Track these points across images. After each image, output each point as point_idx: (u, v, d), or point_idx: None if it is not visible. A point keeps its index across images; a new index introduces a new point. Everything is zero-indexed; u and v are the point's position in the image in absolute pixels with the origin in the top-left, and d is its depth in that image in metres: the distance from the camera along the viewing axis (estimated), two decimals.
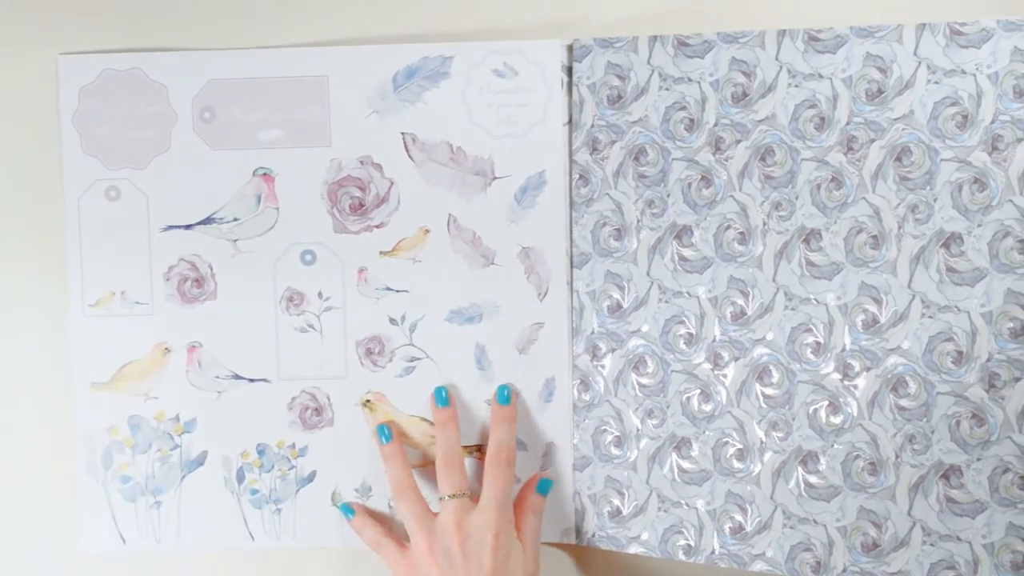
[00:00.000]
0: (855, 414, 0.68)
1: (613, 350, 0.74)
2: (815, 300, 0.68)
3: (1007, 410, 0.65)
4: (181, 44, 0.76)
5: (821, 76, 0.68)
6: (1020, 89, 0.65)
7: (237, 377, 0.77)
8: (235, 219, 0.77)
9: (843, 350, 0.68)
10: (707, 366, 0.72)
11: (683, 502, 0.72)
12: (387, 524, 0.77)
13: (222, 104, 0.76)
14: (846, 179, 0.68)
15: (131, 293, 0.77)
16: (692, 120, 0.71)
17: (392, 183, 0.76)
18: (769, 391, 0.70)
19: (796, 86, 0.68)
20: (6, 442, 0.78)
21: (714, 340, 0.71)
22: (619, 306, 0.73)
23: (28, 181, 0.77)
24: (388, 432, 0.75)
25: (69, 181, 0.77)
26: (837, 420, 0.68)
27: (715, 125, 0.71)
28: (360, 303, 0.77)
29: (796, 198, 0.69)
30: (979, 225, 0.65)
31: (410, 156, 0.76)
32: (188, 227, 0.77)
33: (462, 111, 0.76)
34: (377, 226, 0.77)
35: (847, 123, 0.67)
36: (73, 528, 0.78)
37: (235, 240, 0.77)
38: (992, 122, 0.65)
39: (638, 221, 0.73)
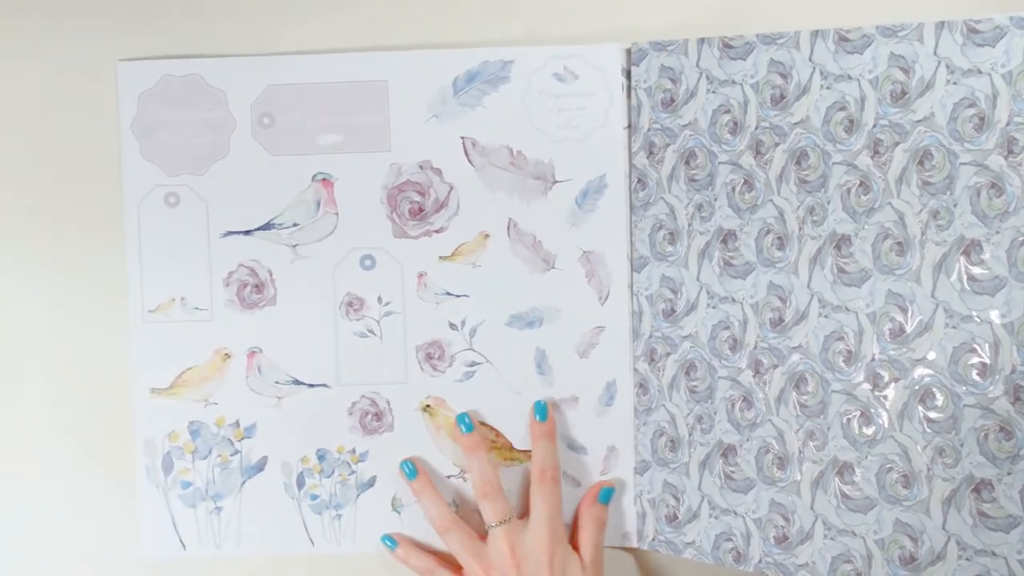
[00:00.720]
0: (886, 425, 0.67)
1: (668, 354, 0.74)
2: (847, 308, 0.68)
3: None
4: (239, 50, 0.77)
5: (850, 77, 0.67)
6: None
7: (297, 382, 0.78)
8: (294, 224, 0.77)
9: (872, 360, 0.67)
10: (749, 373, 0.71)
11: (732, 509, 0.71)
12: (429, 550, 0.78)
13: (281, 109, 0.77)
14: (873, 183, 0.67)
15: (191, 299, 0.77)
16: (736, 123, 0.71)
17: (452, 188, 0.77)
18: (805, 399, 0.70)
19: (828, 87, 0.68)
20: (67, 448, 0.78)
21: (755, 347, 0.71)
22: (672, 310, 0.73)
23: (88, 187, 0.77)
24: (470, 422, 0.75)
25: (129, 187, 0.77)
26: (869, 431, 0.67)
27: (756, 128, 0.70)
28: (420, 308, 0.77)
29: (828, 203, 0.68)
30: (997, 232, 0.64)
31: (470, 160, 0.76)
32: (247, 233, 0.77)
33: (522, 115, 0.76)
34: (437, 231, 0.77)
35: (874, 125, 0.67)
36: (133, 534, 0.79)
37: (294, 245, 0.77)
38: (1007, 124, 0.63)
39: (689, 225, 0.73)
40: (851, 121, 0.67)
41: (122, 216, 0.77)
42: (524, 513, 0.76)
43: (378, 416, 0.77)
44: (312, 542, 0.78)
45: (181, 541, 0.78)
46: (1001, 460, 0.64)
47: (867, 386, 0.67)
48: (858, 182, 0.67)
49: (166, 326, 0.77)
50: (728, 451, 0.72)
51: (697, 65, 0.72)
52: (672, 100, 0.73)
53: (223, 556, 0.78)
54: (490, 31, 0.76)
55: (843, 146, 0.67)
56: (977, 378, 0.64)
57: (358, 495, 0.78)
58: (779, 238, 0.70)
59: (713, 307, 0.72)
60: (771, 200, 0.70)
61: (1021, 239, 0.63)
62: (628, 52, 0.75)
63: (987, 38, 0.63)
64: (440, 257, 0.77)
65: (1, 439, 0.79)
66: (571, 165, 0.76)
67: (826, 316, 0.69)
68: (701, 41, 0.72)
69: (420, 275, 0.77)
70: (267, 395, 0.78)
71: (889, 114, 0.66)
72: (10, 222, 0.78)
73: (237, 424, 0.78)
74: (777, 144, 0.69)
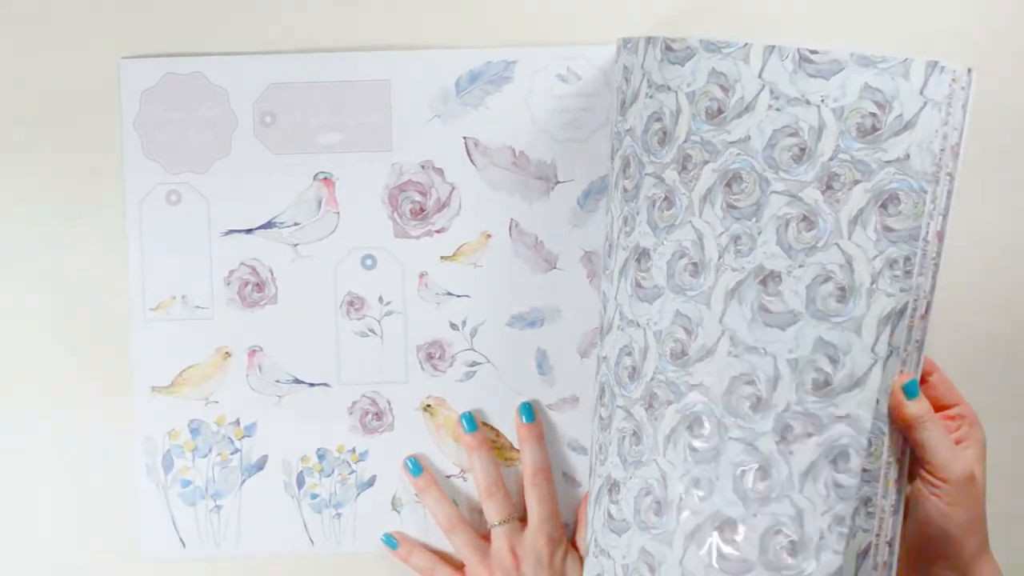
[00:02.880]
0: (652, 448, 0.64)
1: (598, 373, 0.73)
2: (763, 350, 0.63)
3: (792, 466, 0.61)
4: (242, 48, 0.77)
5: (808, 102, 0.61)
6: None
7: (297, 381, 0.78)
8: (295, 223, 0.77)
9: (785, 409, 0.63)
10: (641, 406, 0.66)
11: (607, 551, 0.68)
12: (430, 549, 0.79)
13: (283, 108, 0.77)
14: (819, 219, 0.61)
15: (192, 297, 0.78)
16: (666, 132, 0.65)
17: (453, 188, 0.77)
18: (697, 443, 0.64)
19: (778, 109, 0.61)
20: (67, 446, 0.79)
21: (652, 379, 0.66)
22: (601, 328, 0.71)
23: (89, 185, 0.78)
24: (473, 421, 0.76)
25: (130, 185, 0.78)
26: (638, 450, 0.65)
27: (685, 140, 0.64)
28: (421, 308, 0.78)
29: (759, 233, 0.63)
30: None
31: (472, 161, 0.77)
32: (248, 231, 0.78)
33: (525, 116, 0.77)
34: (438, 231, 0.77)
35: (831, 158, 0.61)
36: (133, 532, 0.79)
37: (295, 244, 0.78)
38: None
39: (616, 239, 0.69)
40: (801, 149, 0.61)
41: (123, 214, 0.78)
42: (526, 514, 0.77)
43: (378, 416, 0.78)
44: (312, 541, 0.79)
45: (181, 540, 0.79)
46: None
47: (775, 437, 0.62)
48: (801, 215, 0.61)
49: (167, 324, 0.78)
50: (613, 488, 0.67)
51: (642, 66, 0.67)
52: (623, 103, 0.69)
53: (223, 555, 0.79)
54: (493, 31, 0.77)
55: (788, 175, 0.61)
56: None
57: (358, 494, 0.79)
58: (694, 264, 0.64)
59: (621, 329, 0.68)
60: (690, 221, 0.64)
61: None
62: None
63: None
64: (441, 257, 0.77)
65: (1, 438, 0.79)
66: (573, 165, 0.77)
67: (736, 356, 0.63)
68: (648, 40, 0.66)
69: (421, 275, 0.77)
70: (267, 394, 0.78)
71: (852, 148, 0.60)
72: (11, 220, 0.78)
73: (237, 423, 0.78)
74: (707, 162, 0.63)
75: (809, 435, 0.61)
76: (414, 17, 0.76)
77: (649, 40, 0.65)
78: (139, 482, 0.78)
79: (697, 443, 0.63)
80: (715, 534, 0.62)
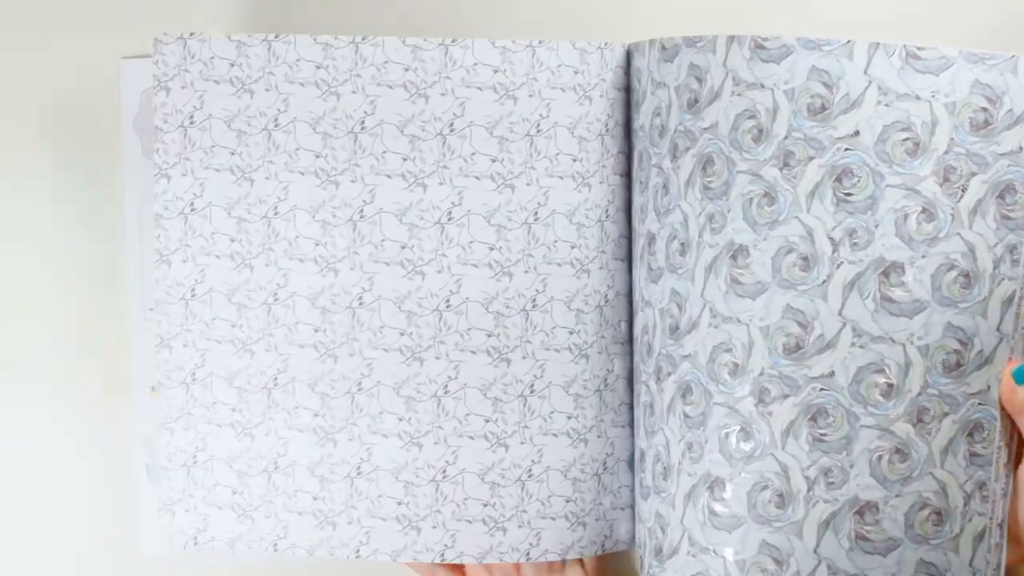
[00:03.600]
0: (767, 441, 0.66)
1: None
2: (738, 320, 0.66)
3: (931, 445, 0.65)
4: None
5: (763, 86, 0.65)
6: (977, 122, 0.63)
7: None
8: None
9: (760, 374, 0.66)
10: (653, 379, 0.70)
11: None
12: None
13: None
14: (938, 211, 0.65)
15: None
16: (663, 126, 0.69)
17: None
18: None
19: (739, 95, 0.66)
20: (67, 446, 0.79)
21: (658, 354, 0.70)
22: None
23: (89, 185, 0.78)
24: None
25: (130, 185, 0.78)
26: (748, 447, 0.66)
27: (674, 132, 0.68)
28: None
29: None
30: (923, 256, 0.64)
31: None
32: None
33: None
34: None
35: (785, 137, 0.65)
36: (133, 532, 0.79)
37: None
38: (945, 152, 0.63)
39: (636, 229, 0.74)
40: (760, 131, 0.65)
41: (123, 214, 0.78)
42: None
43: None
44: None
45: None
46: (892, 482, 0.65)
47: (751, 400, 0.66)
48: (762, 192, 0.65)
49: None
50: (716, 484, 0.69)
51: (647, 67, 0.71)
52: (636, 102, 0.72)
53: (224, 555, 0.79)
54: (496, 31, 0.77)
55: (749, 155, 0.65)
56: (880, 398, 0.65)
57: None
58: (682, 244, 0.68)
59: (714, 327, 0.69)
60: (679, 205, 0.68)
61: (947, 266, 0.64)
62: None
63: (930, 66, 0.63)
64: None
65: (1, 438, 0.79)
66: None
67: (715, 327, 0.67)
68: (651, 43, 0.71)
69: None
70: None
71: (965, 142, 0.64)
72: (11, 219, 0.78)
73: None
74: (688, 149, 0.67)
75: (945, 414, 0.65)
76: (411, 15, 0.76)
77: (733, 38, 0.67)
78: (139, 482, 0.78)
79: (823, 433, 0.66)
80: (851, 518, 0.65)
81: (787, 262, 0.65)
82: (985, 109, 0.63)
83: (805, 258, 0.65)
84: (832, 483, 0.65)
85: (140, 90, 0.78)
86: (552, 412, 0.72)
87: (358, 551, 0.72)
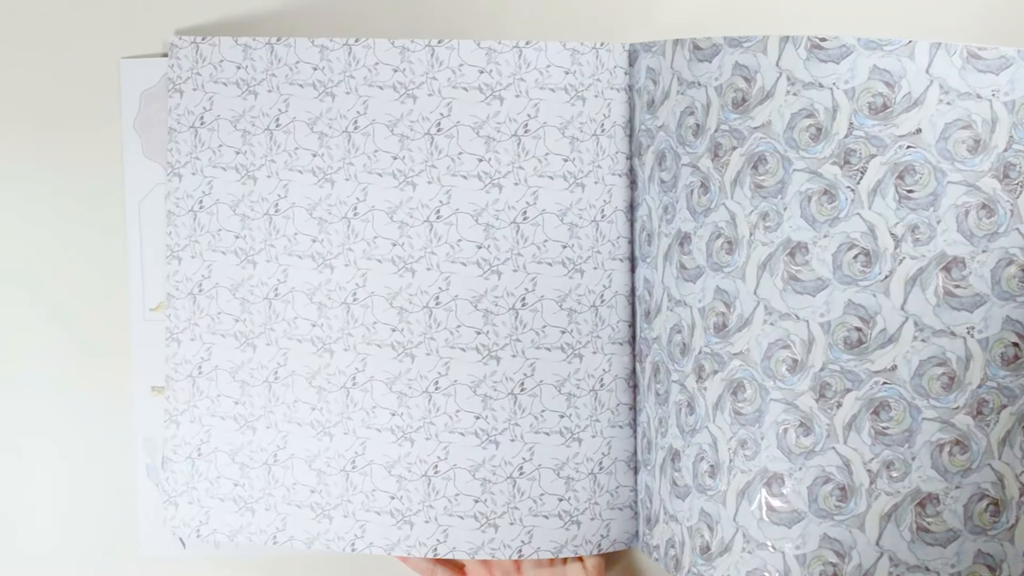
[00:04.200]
0: (826, 436, 0.69)
1: (647, 356, 0.76)
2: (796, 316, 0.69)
3: (990, 437, 0.67)
4: None
5: (822, 86, 0.68)
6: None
7: None
8: None
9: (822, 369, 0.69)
10: (693, 378, 0.72)
11: (675, 516, 0.74)
12: None
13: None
14: (998, 207, 0.68)
15: None
16: (698, 125, 0.72)
17: None
18: (742, 407, 0.71)
19: (795, 94, 0.68)
20: (67, 446, 0.81)
21: (699, 352, 0.72)
22: (647, 312, 0.76)
23: (89, 185, 0.79)
24: None
25: (130, 185, 0.79)
26: (808, 442, 0.69)
27: (716, 131, 0.71)
28: None
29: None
30: (984, 251, 0.67)
31: None
32: None
33: None
34: None
35: (846, 136, 0.68)
36: (133, 532, 0.80)
37: None
38: (1005, 150, 0.66)
39: (658, 227, 0.75)
40: (819, 130, 0.68)
41: (123, 214, 0.79)
42: None
43: None
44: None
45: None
46: (952, 474, 0.67)
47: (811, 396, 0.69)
48: (822, 190, 0.68)
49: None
50: (775, 479, 0.71)
51: (671, 66, 0.73)
52: (652, 101, 0.75)
53: (223, 555, 0.80)
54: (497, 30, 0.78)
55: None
56: (941, 391, 0.67)
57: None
58: (729, 242, 0.71)
59: (670, 310, 0.73)
60: (724, 204, 0.71)
61: (1006, 261, 0.67)
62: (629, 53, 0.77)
63: (990, 65, 0.66)
64: None
65: (1, 438, 0.80)
66: None
67: (771, 324, 0.70)
68: (676, 43, 0.73)
69: None
70: None
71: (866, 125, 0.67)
72: (11, 220, 0.79)
73: None
74: (735, 148, 0.70)
75: (1003, 406, 0.68)
76: (410, 15, 0.77)
77: (788, 39, 0.69)
78: (139, 482, 0.79)
79: (885, 426, 0.68)
80: (913, 510, 0.68)
81: (848, 258, 0.68)
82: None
83: (867, 253, 0.68)
84: (894, 476, 0.68)
85: (140, 90, 0.79)
86: (544, 410, 0.74)
87: (353, 544, 0.74)
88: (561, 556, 0.76)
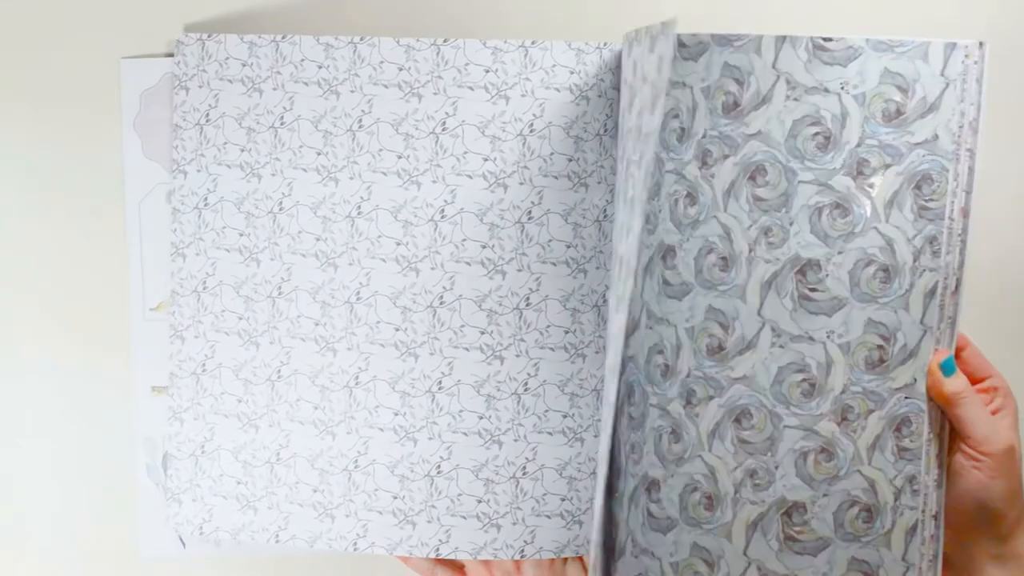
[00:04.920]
0: (694, 442, 0.68)
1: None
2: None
3: (858, 444, 0.67)
4: None
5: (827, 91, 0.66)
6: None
7: None
8: None
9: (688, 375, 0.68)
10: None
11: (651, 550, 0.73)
12: None
13: None
14: (853, 205, 0.66)
15: None
16: (683, 129, 0.68)
17: None
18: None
19: (796, 99, 0.66)
20: (67, 445, 0.81)
21: (688, 375, 0.70)
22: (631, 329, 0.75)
23: (90, 185, 0.80)
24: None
25: (130, 185, 0.80)
26: (678, 449, 0.68)
27: (703, 136, 0.67)
28: None
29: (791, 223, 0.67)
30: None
31: None
32: None
33: None
34: None
35: (858, 144, 0.66)
36: (133, 532, 0.81)
37: None
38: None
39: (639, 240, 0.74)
40: (826, 138, 0.66)
41: (124, 214, 0.80)
42: None
43: None
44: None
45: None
46: (819, 482, 0.67)
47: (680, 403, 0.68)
48: (835, 203, 0.66)
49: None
50: (652, 486, 0.71)
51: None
52: (630, 102, 0.74)
53: (223, 555, 0.80)
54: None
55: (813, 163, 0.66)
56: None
57: None
58: (723, 258, 0.68)
59: (650, 328, 0.71)
60: (716, 216, 0.68)
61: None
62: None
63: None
64: None
65: (1, 437, 0.80)
66: None
67: (782, 347, 0.68)
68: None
69: None
70: None
71: (878, 133, 0.65)
72: (11, 220, 0.80)
73: None
74: (727, 156, 0.67)
75: (871, 411, 0.66)
76: (408, 14, 0.78)
77: (785, 38, 0.66)
78: (139, 482, 0.80)
79: (746, 434, 0.67)
80: (779, 519, 0.67)
81: (708, 262, 0.67)
82: (896, 100, 0.64)
83: (724, 258, 0.67)
84: (758, 484, 0.68)
85: (140, 90, 0.79)
86: (547, 410, 0.74)
87: (355, 544, 0.74)
88: (563, 556, 0.77)
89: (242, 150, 0.77)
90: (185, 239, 0.78)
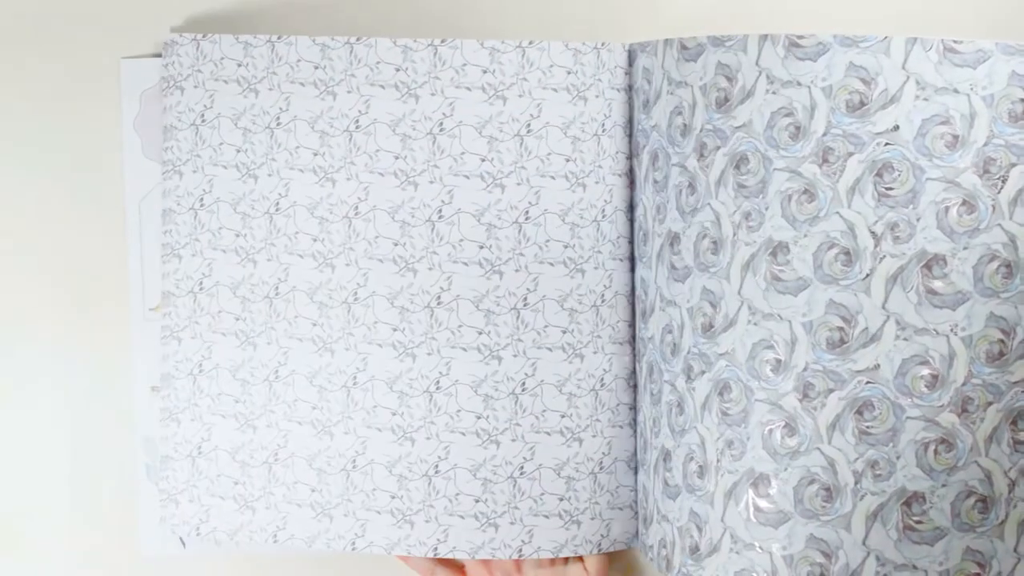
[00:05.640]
0: (811, 436, 0.69)
1: (643, 356, 0.77)
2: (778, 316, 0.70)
3: (976, 434, 0.68)
4: None
5: (800, 84, 0.69)
6: (1015, 113, 0.67)
7: None
8: None
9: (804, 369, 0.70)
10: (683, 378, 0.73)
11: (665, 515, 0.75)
12: None
13: None
14: (979, 202, 0.68)
15: None
16: (686, 125, 0.72)
17: None
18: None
19: (773, 92, 0.69)
20: (67, 445, 0.82)
21: (688, 352, 0.73)
22: (644, 312, 0.77)
23: (89, 185, 0.80)
24: None
25: (130, 185, 0.80)
26: (793, 442, 0.69)
27: (700, 131, 0.71)
28: None
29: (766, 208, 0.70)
30: (965, 248, 0.67)
31: None
32: None
33: None
34: None
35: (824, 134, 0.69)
36: (133, 532, 0.81)
37: None
38: (985, 144, 0.67)
39: (652, 227, 0.76)
40: (797, 128, 0.69)
41: (124, 214, 0.80)
42: None
43: None
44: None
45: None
46: (938, 472, 0.68)
47: (796, 396, 0.70)
48: (802, 189, 0.69)
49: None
50: (666, 457, 0.74)
51: (662, 66, 0.74)
52: (647, 101, 0.76)
53: (223, 555, 0.81)
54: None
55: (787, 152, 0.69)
56: (925, 390, 0.68)
57: None
58: (714, 242, 0.71)
59: (662, 310, 0.74)
60: (709, 204, 0.71)
61: (988, 257, 0.67)
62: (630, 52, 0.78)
63: (967, 59, 0.67)
64: None
65: (1, 437, 0.81)
66: None
67: (755, 324, 0.70)
68: (666, 43, 0.74)
69: None
70: None
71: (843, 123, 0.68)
72: (11, 219, 0.80)
73: None
74: (718, 147, 0.71)
75: (989, 403, 0.68)
76: (411, 15, 0.78)
77: (766, 37, 0.69)
78: (139, 482, 0.80)
79: (868, 426, 0.69)
80: (899, 509, 0.69)
81: (829, 257, 0.69)
82: (860, 91, 0.68)
83: (847, 253, 0.69)
84: (879, 475, 0.69)
85: (140, 90, 0.80)
86: (544, 410, 0.75)
87: (354, 543, 0.75)
88: (561, 555, 0.77)
89: (238, 151, 0.77)
90: (181, 240, 0.78)
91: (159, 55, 0.81)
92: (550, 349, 0.76)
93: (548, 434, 0.76)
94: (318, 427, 0.77)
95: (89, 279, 0.82)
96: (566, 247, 0.76)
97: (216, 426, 0.78)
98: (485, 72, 0.76)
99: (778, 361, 0.70)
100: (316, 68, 0.76)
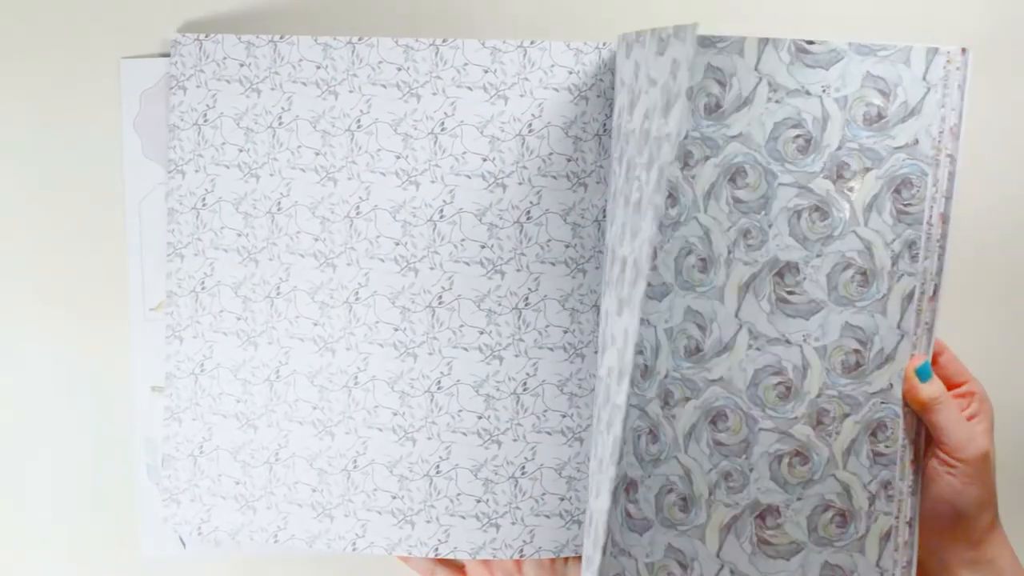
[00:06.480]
0: (670, 443, 0.69)
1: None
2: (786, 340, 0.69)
3: (833, 448, 0.67)
4: None
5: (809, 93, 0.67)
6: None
7: None
8: None
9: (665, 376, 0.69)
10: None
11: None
12: None
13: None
14: (832, 208, 0.67)
15: None
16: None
17: None
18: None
19: (777, 101, 0.66)
20: (67, 446, 0.82)
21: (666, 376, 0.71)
22: None
23: (89, 185, 0.80)
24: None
25: (130, 185, 0.80)
26: (655, 449, 0.69)
27: (685, 138, 0.68)
28: None
29: (770, 226, 0.68)
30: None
31: None
32: None
33: None
34: None
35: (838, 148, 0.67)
36: (133, 532, 0.81)
37: None
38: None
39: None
40: (807, 141, 0.67)
41: (123, 214, 0.80)
42: None
43: None
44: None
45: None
46: (793, 485, 0.67)
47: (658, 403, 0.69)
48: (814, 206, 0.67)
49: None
50: (630, 486, 0.72)
51: (645, 61, 0.72)
52: (632, 101, 0.74)
53: (223, 555, 0.81)
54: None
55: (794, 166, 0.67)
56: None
57: None
58: (702, 259, 0.69)
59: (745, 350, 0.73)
60: (696, 217, 0.68)
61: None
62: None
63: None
64: None
65: (1, 437, 0.81)
66: None
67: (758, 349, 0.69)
68: (653, 32, 0.72)
69: None
70: None
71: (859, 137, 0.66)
72: (11, 219, 0.81)
73: None
74: (708, 157, 0.68)
75: (846, 415, 0.67)
76: (409, 15, 0.79)
77: (767, 40, 0.66)
78: (139, 482, 0.80)
79: (723, 437, 0.68)
80: (752, 522, 0.68)
81: (687, 264, 0.68)
82: (877, 104, 0.65)
83: (703, 259, 0.68)
84: (732, 487, 0.68)
85: (140, 90, 0.80)
86: (546, 410, 0.75)
87: (354, 544, 0.75)
88: (562, 556, 0.78)
89: (240, 150, 0.78)
90: (183, 239, 0.78)
91: (159, 55, 0.81)
92: (551, 349, 0.77)
93: (549, 434, 0.77)
94: (319, 427, 0.77)
95: (89, 279, 0.82)
96: (567, 247, 0.76)
97: (217, 426, 0.79)
98: (487, 72, 0.76)
99: (646, 367, 0.69)
100: (318, 68, 0.76)
